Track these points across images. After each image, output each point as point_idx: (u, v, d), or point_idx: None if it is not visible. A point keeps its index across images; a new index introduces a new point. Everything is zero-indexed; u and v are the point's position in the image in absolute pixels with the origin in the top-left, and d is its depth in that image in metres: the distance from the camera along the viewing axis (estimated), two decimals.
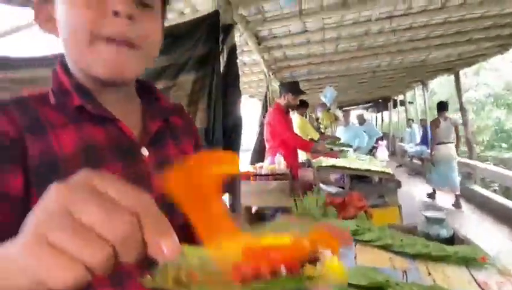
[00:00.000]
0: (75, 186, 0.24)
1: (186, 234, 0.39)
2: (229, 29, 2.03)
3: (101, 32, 0.45)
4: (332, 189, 2.65)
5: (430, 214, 1.49)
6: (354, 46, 4.30)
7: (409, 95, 11.24)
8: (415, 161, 8.86)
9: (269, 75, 4.79)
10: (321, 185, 2.66)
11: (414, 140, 9.37)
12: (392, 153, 12.06)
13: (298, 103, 3.31)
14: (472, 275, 0.95)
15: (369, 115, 15.66)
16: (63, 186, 0.24)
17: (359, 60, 4.95)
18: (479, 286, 0.89)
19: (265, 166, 2.81)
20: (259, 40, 3.59)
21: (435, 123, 5.74)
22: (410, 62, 5.58)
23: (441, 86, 10.91)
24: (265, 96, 4.79)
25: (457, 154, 5.73)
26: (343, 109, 12.00)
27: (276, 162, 2.82)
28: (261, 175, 2.67)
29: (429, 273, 0.94)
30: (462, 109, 6.87)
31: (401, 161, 10.00)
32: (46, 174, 0.44)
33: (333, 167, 2.66)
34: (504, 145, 9.78)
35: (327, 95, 6.13)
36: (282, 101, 3.13)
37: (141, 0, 0.47)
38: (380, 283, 0.75)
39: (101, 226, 0.22)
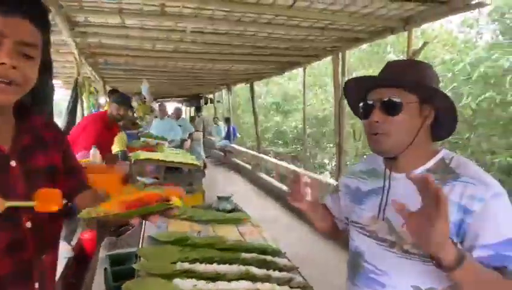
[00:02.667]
0: None
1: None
2: None
3: None
4: (148, 180, 2.95)
5: (220, 194, 2.09)
6: (170, 48, 4.68)
7: (218, 94, 12.78)
8: (219, 152, 10.27)
9: (81, 60, 4.48)
10: (138, 177, 2.91)
11: (220, 135, 10.80)
12: (203, 145, 13.38)
13: (121, 114, 3.21)
14: (238, 229, 1.54)
15: (183, 109, 16.54)
16: None
17: (175, 60, 5.39)
18: (240, 234, 1.48)
19: (79, 159, 2.77)
20: (72, 24, 3.37)
21: (193, 118, 9.63)
22: (218, 69, 6.52)
23: (242, 90, 13.14)
24: (76, 81, 4.45)
25: (204, 137, 9.74)
26: (158, 100, 12.18)
27: (91, 155, 2.83)
28: None
29: (214, 231, 1.45)
30: (254, 112, 8.63)
31: (209, 153, 11.32)
32: None
33: (149, 159, 2.96)
34: (280, 142, 13.07)
35: (143, 88, 6.26)
36: (108, 109, 3.12)
37: (25, 54, 0.67)
38: (181, 238, 1.17)
39: None
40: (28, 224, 0.73)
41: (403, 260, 0.83)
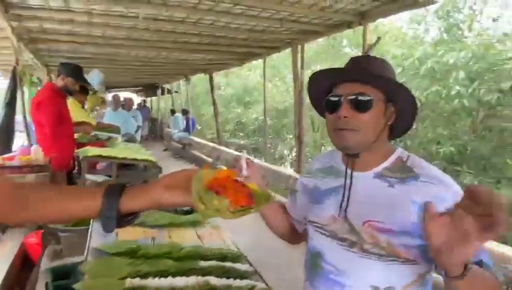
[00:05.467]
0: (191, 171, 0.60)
1: None
2: None
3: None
4: (99, 178, 2.74)
5: None
6: (122, 35, 4.37)
7: (175, 84, 12.34)
8: (178, 145, 9.95)
9: (19, 46, 4.02)
10: (87, 175, 2.68)
11: (178, 127, 10.45)
12: (161, 137, 12.90)
13: (77, 89, 3.12)
14: (196, 232, 1.46)
15: (138, 99, 15.82)
16: (187, 171, 0.62)
17: (128, 48, 5.05)
18: (198, 237, 1.41)
19: (18, 157, 2.49)
20: (6, 6, 2.99)
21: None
22: (174, 58, 6.24)
23: (202, 81, 12.81)
24: (14, 69, 4.00)
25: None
26: (110, 90, 11.47)
27: (33, 153, 2.56)
28: (12, 167, 2.35)
29: (170, 236, 1.36)
30: (214, 103, 8.46)
31: (168, 145, 10.94)
32: None
33: (100, 156, 2.74)
34: (241, 134, 13.01)
35: (94, 78, 5.81)
36: (59, 82, 2.83)
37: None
38: (132, 249, 1.07)
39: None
40: None
41: (363, 260, 0.82)
